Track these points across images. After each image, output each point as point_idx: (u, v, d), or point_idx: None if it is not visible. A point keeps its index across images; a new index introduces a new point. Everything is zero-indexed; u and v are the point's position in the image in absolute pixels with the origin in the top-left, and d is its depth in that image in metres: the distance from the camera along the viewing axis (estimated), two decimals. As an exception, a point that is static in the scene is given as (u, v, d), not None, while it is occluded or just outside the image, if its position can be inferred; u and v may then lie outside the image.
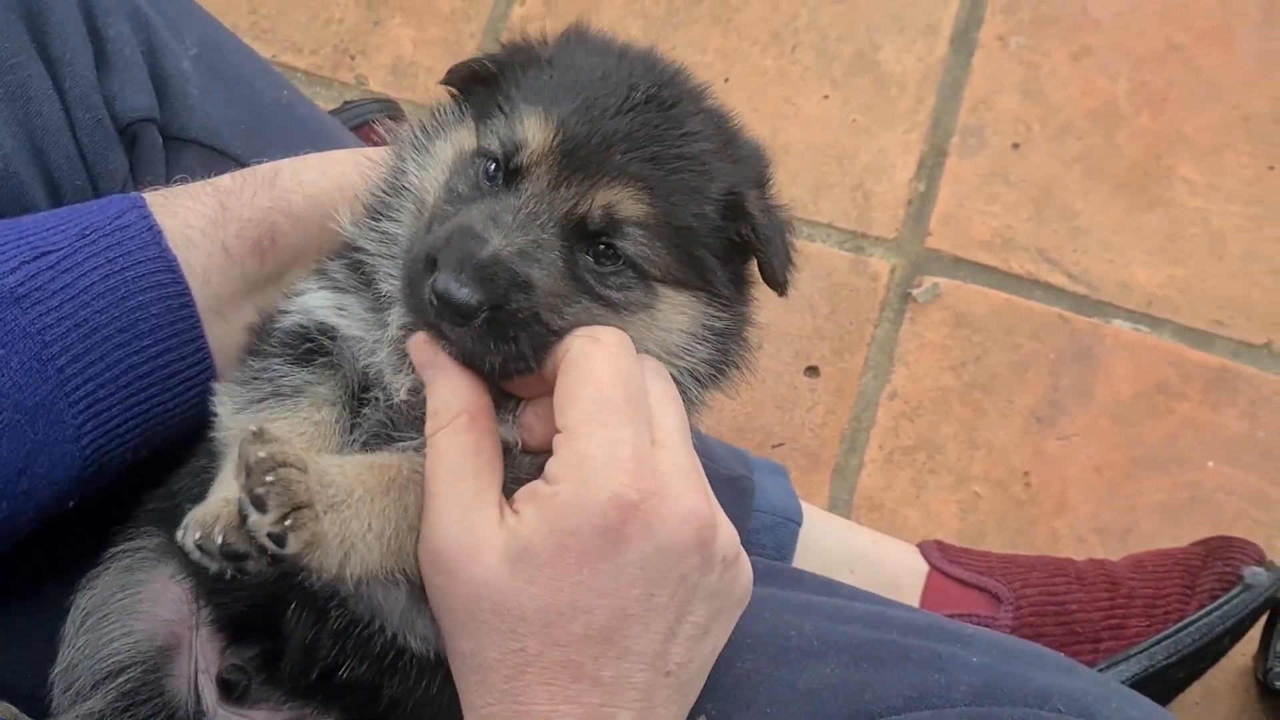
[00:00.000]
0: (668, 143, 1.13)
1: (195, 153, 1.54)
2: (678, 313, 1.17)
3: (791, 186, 2.52)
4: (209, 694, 1.31)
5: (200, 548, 1.04)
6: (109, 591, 1.34)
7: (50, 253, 1.25)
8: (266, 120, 1.62)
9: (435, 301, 1.07)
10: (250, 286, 1.36)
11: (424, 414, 1.15)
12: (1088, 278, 2.45)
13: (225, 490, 1.10)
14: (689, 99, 1.20)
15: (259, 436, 1.06)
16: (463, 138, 1.21)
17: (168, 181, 1.42)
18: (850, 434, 2.37)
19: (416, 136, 1.26)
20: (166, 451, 1.33)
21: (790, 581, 1.65)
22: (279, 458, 1.03)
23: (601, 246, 1.12)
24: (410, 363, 1.17)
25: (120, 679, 1.30)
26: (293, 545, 1.02)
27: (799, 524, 1.99)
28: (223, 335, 1.33)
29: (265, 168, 1.39)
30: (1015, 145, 2.55)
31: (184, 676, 1.32)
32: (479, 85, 1.23)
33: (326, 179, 1.38)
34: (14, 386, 1.21)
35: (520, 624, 1.07)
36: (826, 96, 2.59)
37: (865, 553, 2.05)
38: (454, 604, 1.10)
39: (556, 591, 1.06)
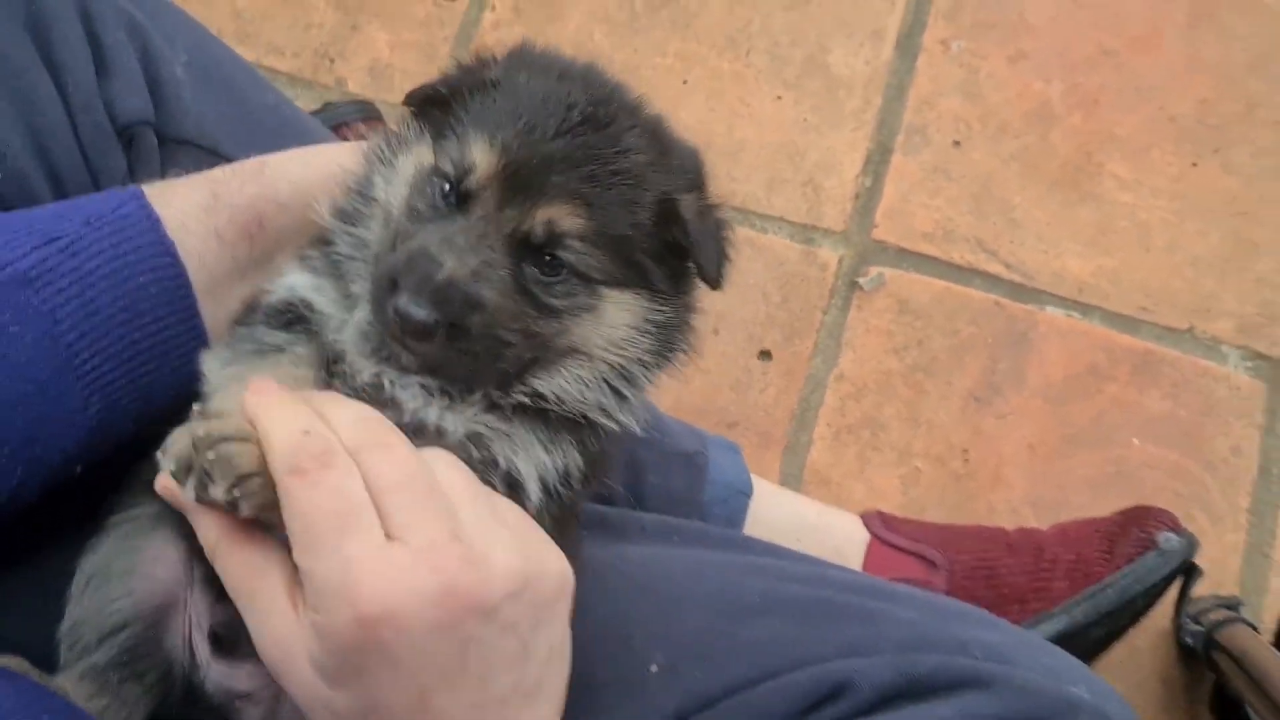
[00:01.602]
0: (603, 160, 1.19)
1: (189, 153, 1.57)
2: (621, 310, 1.23)
3: (745, 182, 2.55)
4: (202, 648, 1.34)
5: (173, 475, 1.10)
6: (111, 555, 1.36)
7: (59, 239, 1.29)
8: (254, 122, 1.66)
9: (398, 320, 1.13)
10: (240, 268, 1.39)
11: (384, 400, 1.19)
12: (1023, 267, 2.50)
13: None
14: (625, 115, 1.24)
15: (205, 413, 1.13)
16: (422, 154, 1.26)
17: (163, 179, 1.43)
18: (800, 413, 2.40)
19: (383, 151, 1.31)
20: (160, 425, 1.32)
21: (739, 547, 1.69)
22: (220, 433, 1.09)
23: (547, 258, 1.18)
24: (372, 349, 1.22)
25: (122, 635, 1.33)
26: (246, 509, 1.08)
27: (749, 496, 2.04)
28: (216, 314, 1.36)
29: (253, 161, 1.42)
30: (956, 143, 2.60)
31: (179, 633, 1.35)
32: (434, 107, 1.28)
33: (310, 170, 1.41)
34: (27, 361, 1.25)
35: (345, 718, 1.09)
36: (779, 97, 2.63)
37: (811, 523, 2.10)
38: (296, 698, 1.12)
39: (357, 693, 1.07)
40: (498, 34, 2.66)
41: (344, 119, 2.31)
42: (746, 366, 2.43)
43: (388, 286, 1.16)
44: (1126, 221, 2.54)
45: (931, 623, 1.48)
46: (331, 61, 2.64)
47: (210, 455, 1.08)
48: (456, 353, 1.17)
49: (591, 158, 1.19)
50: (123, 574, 1.35)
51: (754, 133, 2.59)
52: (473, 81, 1.26)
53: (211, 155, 1.57)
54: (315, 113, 2.37)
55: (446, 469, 1.14)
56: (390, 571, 1.03)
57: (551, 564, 1.15)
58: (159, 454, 1.13)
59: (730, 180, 2.54)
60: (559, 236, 1.18)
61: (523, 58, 1.30)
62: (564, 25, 2.68)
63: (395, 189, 1.27)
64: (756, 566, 1.60)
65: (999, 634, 1.49)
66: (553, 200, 1.17)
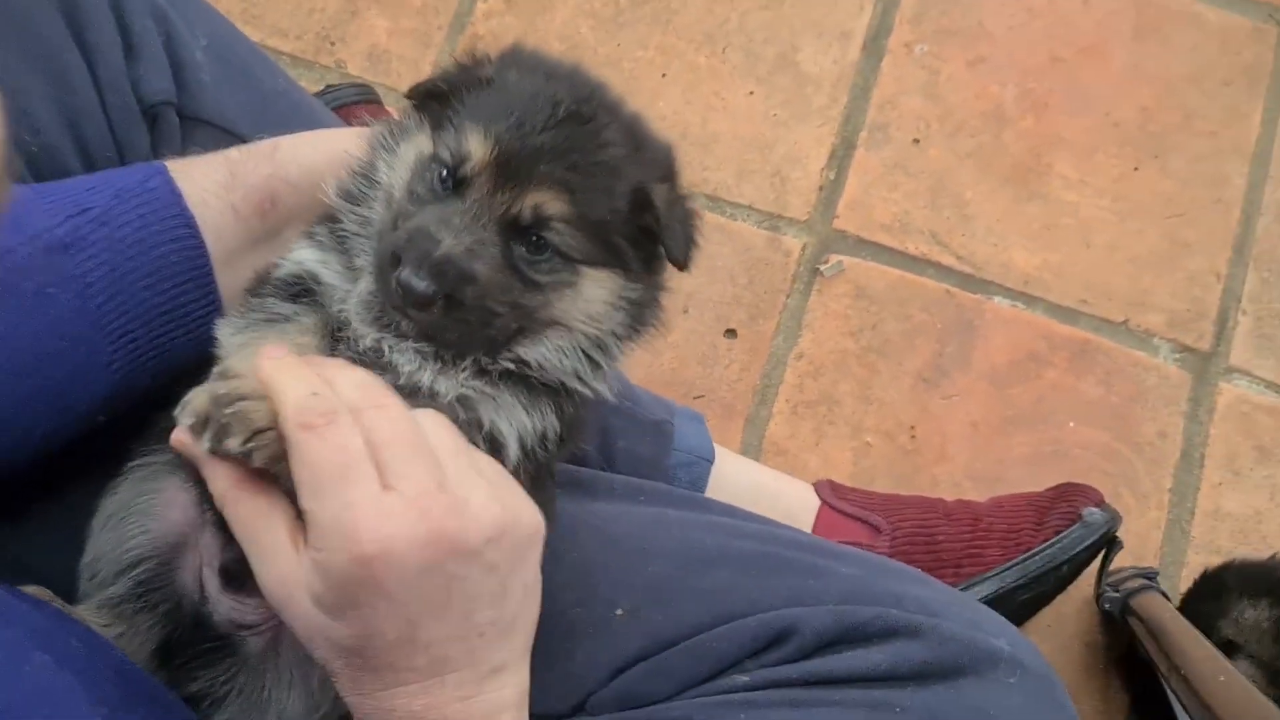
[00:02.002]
0: (585, 151, 1.27)
1: (207, 132, 1.63)
2: (598, 287, 1.32)
3: (717, 171, 2.61)
4: (211, 583, 1.41)
5: (191, 429, 1.19)
6: (129, 496, 1.43)
7: (91, 209, 1.35)
8: (268, 104, 1.71)
9: (400, 291, 1.23)
10: (254, 241, 1.46)
11: (383, 365, 1.29)
12: (973, 259, 2.57)
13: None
14: (605, 112, 1.32)
15: (223, 374, 1.21)
16: (421, 143, 1.34)
17: (184, 155, 1.50)
18: (762, 389, 2.47)
19: (386, 138, 1.39)
20: (178, 378, 1.40)
21: (699, 506, 1.77)
22: (237, 392, 1.17)
23: (533, 239, 1.27)
24: (373, 317, 1.30)
25: (138, 569, 1.41)
26: (258, 460, 1.16)
27: (711, 462, 2.12)
28: (230, 282, 1.43)
29: (267, 142, 1.49)
30: (916, 141, 2.66)
31: (190, 569, 1.41)
32: (433, 100, 1.36)
33: (318, 152, 1.48)
34: (61, 319, 1.32)
35: (341, 646, 1.17)
36: (751, 93, 2.68)
37: (767, 488, 2.18)
38: (296, 630, 1.20)
39: (353, 623, 1.14)
40: (490, 24, 2.70)
41: (344, 101, 2.37)
42: (713, 344, 2.50)
43: (391, 261, 1.25)
44: (1071, 219, 2.60)
45: (870, 578, 1.57)
46: (332, 45, 2.68)
47: (229, 411, 1.17)
48: (452, 321, 1.27)
49: (574, 150, 1.28)
50: (140, 514, 1.43)
51: (727, 125, 2.65)
52: (469, 78, 1.35)
53: (228, 135, 1.63)
54: (317, 94, 2.41)
55: (435, 428, 1.22)
56: (385, 515, 1.11)
57: (526, 514, 1.21)
58: (177, 411, 1.21)
59: (703, 169, 2.60)
60: (544, 219, 1.27)
61: (515, 58, 1.39)
62: (552, 17, 2.72)
63: (397, 173, 1.36)
64: (714, 524, 1.68)
65: (931, 591, 1.58)
66: (539, 187, 1.27)
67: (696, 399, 2.45)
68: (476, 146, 1.27)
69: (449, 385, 1.31)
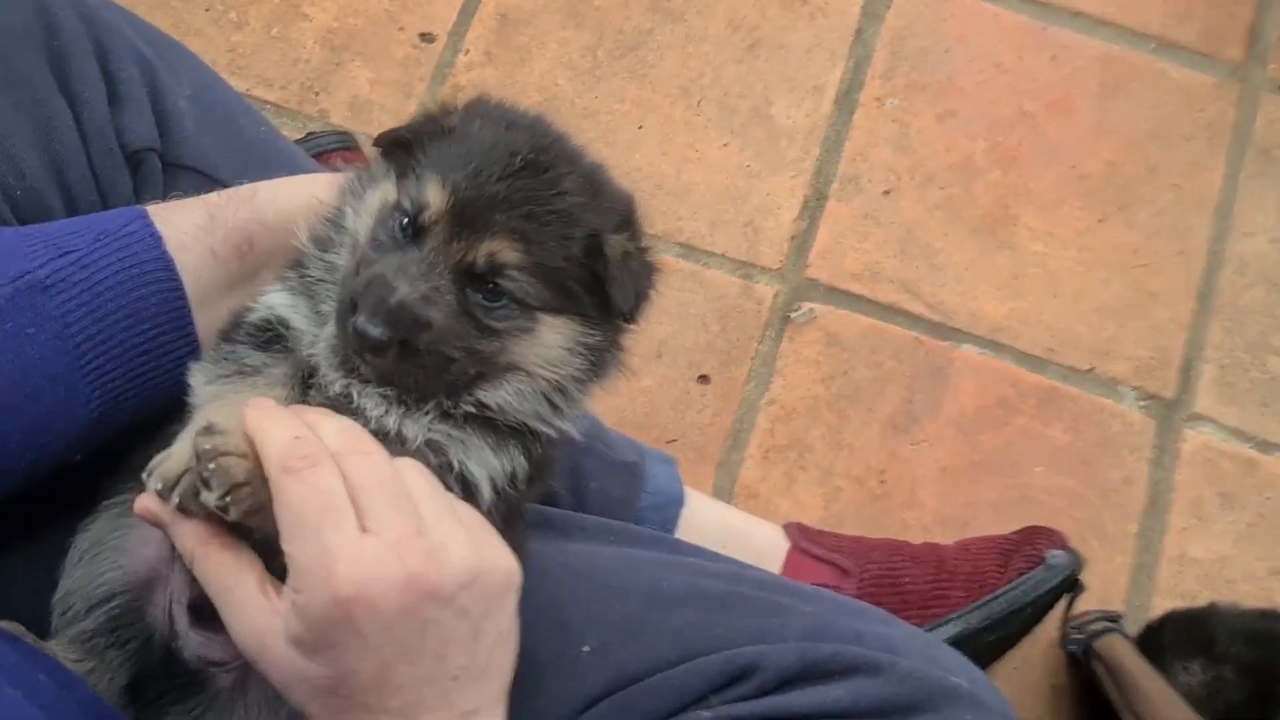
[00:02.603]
0: (540, 201, 1.28)
1: (189, 177, 1.63)
2: (554, 333, 1.32)
3: (691, 221, 2.61)
4: (181, 620, 1.40)
5: (158, 493, 1.21)
6: (102, 533, 1.43)
7: (72, 251, 1.36)
8: (248, 151, 1.72)
9: (355, 337, 1.24)
10: (232, 283, 1.46)
11: (352, 409, 1.30)
12: (943, 307, 2.57)
13: (186, 448, 1.24)
14: (563, 161, 1.33)
15: (208, 430, 1.22)
16: (387, 190, 1.35)
17: (165, 200, 1.51)
18: (734, 433, 2.46)
19: (354, 185, 1.41)
20: (154, 418, 1.43)
21: (668, 547, 1.77)
22: (221, 448, 1.19)
23: (489, 286, 1.28)
24: (340, 362, 1.31)
25: (109, 605, 1.40)
26: (234, 514, 1.17)
27: (682, 505, 2.12)
28: (208, 322, 1.43)
29: (246, 187, 1.49)
30: (887, 192, 2.66)
31: (160, 606, 1.40)
32: (399, 149, 1.37)
33: (295, 197, 1.49)
34: (41, 359, 1.32)
35: (317, 686, 1.18)
36: (726, 144, 2.69)
37: (737, 530, 2.17)
38: (271, 676, 1.21)
39: (329, 664, 1.16)
40: (470, 75, 2.71)
41: (324, 148, 2.38)
42: (686, 389, 2.49)
43: (349, 307, 1.27)
44: (1038, 269, 2.60)
45: (832, 615, 1.56)
46: (316, 94, 2.67)
47: (211, 466, 1.19)
48: (408, 366, 1.28)
49: (530, 199, 1.30)
50: (113, 550, 1.43)
51: (701, 176, 2.65)
52: (433, 128, 1.37)
53: (209, 180, 1.63)
54: (298, 141, 2.43)
55: (414, 475, 1.23)
56: (364, 559, 1.13)
57: (501, 560, 1.22)
58: (145, 475, 1.24)
59: (677, 219, 2.59)
60: (499, 267, 1.28)
61: (479, 108, 1.41)
62: (531, 70, 2.73)
63: (362, 220, 1.37)
64: (682, 564, 1.68)
65: (892, 629, 1.58)
66: (494, 235, 1.28)
67: (670, 443, 2.44)
68: (434, 195, 1.29)
69: (416, 429, 1.32)
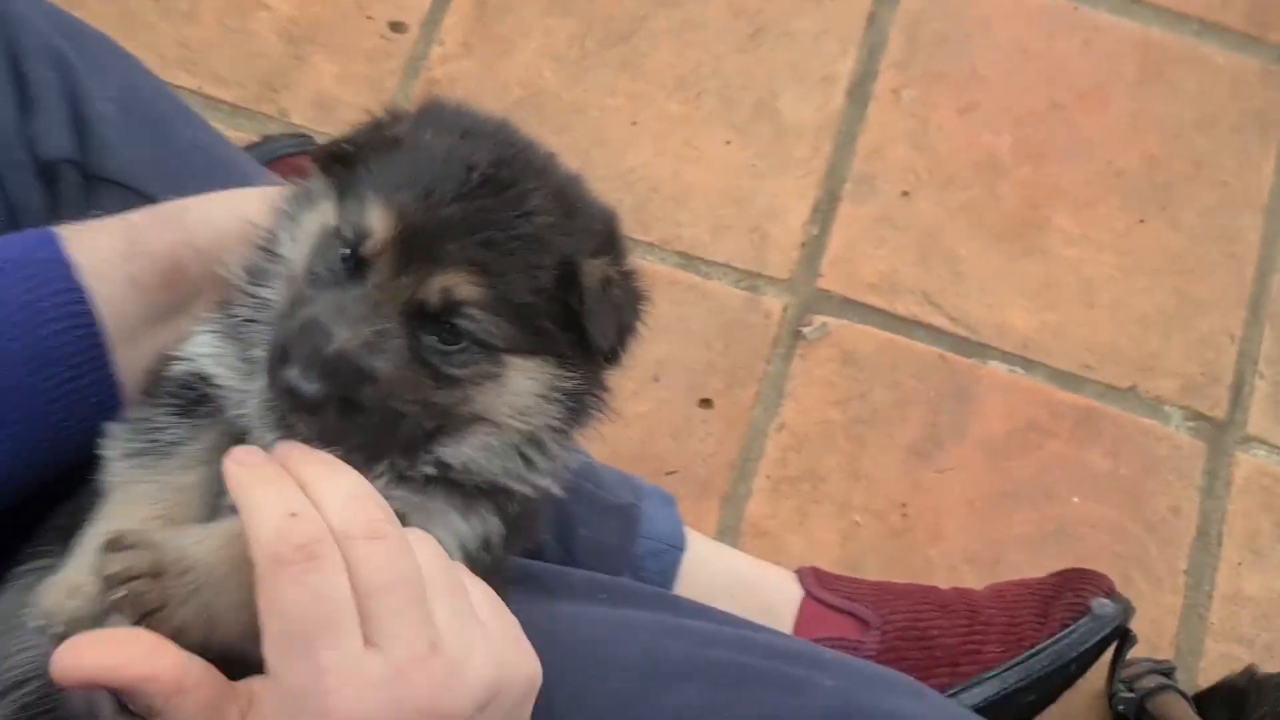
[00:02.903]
0: (502, 225, 1.17)
1: (113, 192, 1.55)
2: (525, 378, 1.21)
3: (691, 227, 2.56)
4: (105, 705, 1.26)
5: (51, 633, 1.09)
6: (11, 607, 1.32)
7: None
8: (183, 162, 1.64)
9: (287, 394, 1.12)
10: (158, 315, 1.37)
11: None
12: (967, 320, 2.51)
13: (78, 571, 1.13)
14: (529, 176, 1.22)
15: (114, 545, 1.09)
16: (326, 213, 1.24)
17: (86, 219, 1.42)
18: (740, 463, 2.41)
19: (289, 207, 1.30)
20: (76, 471, 1.34)
21: (667, 606, 1.68)
22: (133, 570, 1.07)
23: (445, 326, 1.16)
24: (277, 420, 1.20)
25: (22, 690, 1.29)
26: None
27: (682, 551, 2.03)
28: (133, 361, 1.34)
29: (174, 204, 1.41)
30: (904, 193, 2.61)
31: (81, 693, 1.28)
32: (339, 164, 1.26)
33: (232, 215, 1.39)
34: None
35: None
36: (728, 142, 2.63)
37: (745, 579, 2.08)
38: None
39: None
40: (446, 68, 2.65)
41: (281, 153, 2.29)
42: (686, 415, 2.43)
43: (279, 357, 1.15)
44: (1072, 277, 2.55)
45: (856, 691, 1.47)
46: (275, 92, 2.61)
47: (121, 592, 1.06)
48: (352, 425, 1.16)
49: (490, 223, 1.17)
50: (23, 628, 1.30)
51: (701, 177, 2.60)
52: (378, 139, 1.25)
53: (137, 195, 1.54)
54: (251, 147, 2.35)
55: (428, 558, 1.10)
56: (365, 687, 1.00)
57: (524, 666, 1.14)
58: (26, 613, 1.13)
59: (675, 225, 2.54)
60: (456, 305, 1.16)
61: (431, 114, 1.29)
62: (513, 62, 2.66)
63: (299, 248, 1.25)
64: (683, 629, 1.59)
65: (924, 705, 1.50)
66: (448, 268, 1.15)
67: (668, 475, 2.37)
68: (378, 221, 1.17)
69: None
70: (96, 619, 1.09)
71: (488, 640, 1.09)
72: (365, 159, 1.23)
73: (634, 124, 2.65)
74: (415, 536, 1.12)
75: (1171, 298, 2.55)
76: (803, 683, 1.47)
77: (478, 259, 1.16)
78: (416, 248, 1.15)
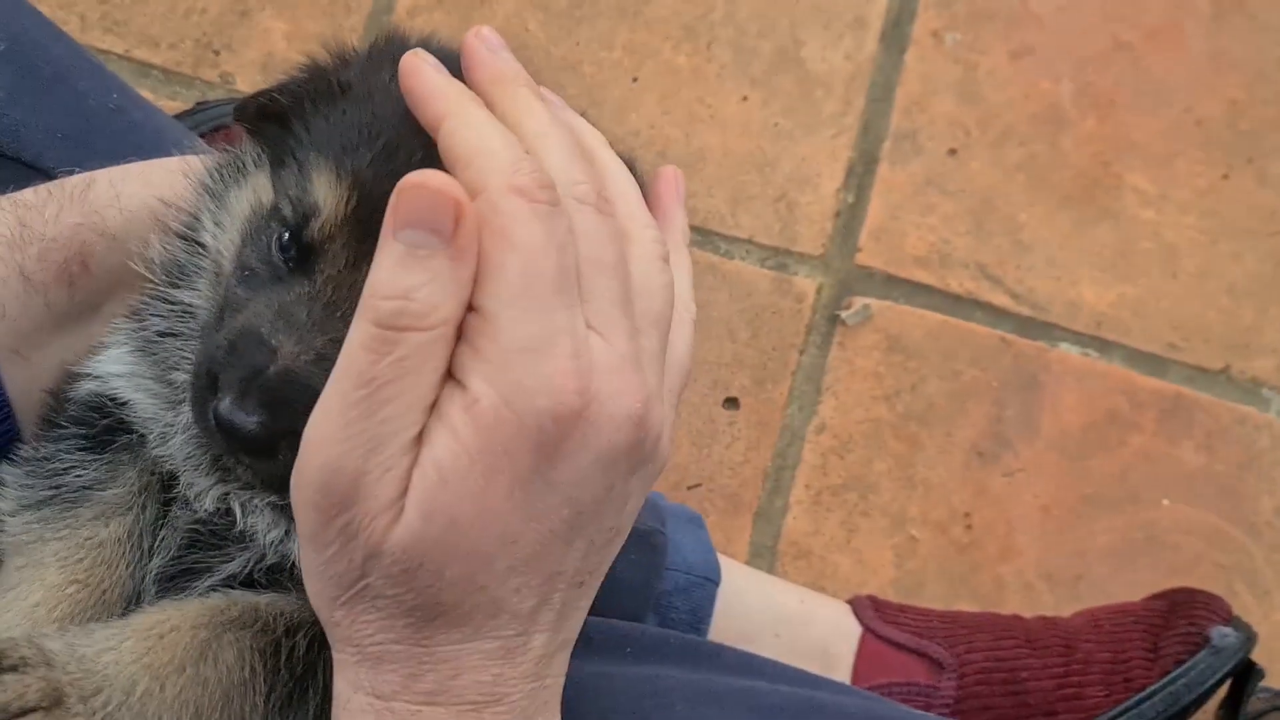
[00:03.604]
0: None
1: (3, 167, 1.41)
2: None
3: (707, 198, 2.49)
4: None
5: None
6: None
7: None
8: (92, 128, 1.50)
9: (219, 431, 0.96)
10: (58, 320, 1.26)
11: (234, 535, 1.07)
12: (1032, 297, 2.44)
13: None
14: None
15: None
16: (260, 187, 1.08)
17: None
18: (774, 472, 2.34)
19: (212, 181, 1.14)
20: None
21: (706, 659, 1.53)
22: (16, 705, 0.94)
23: None
24: (213, 461, 1.06)
25: None
26: None
27: (717, 583, 1.91)
28: (26, 379, 1.24)
29: (77, 179, 1.29)
30: (952, 151, 2.53)
31: None
32: (271, 123, 1.10)
33: (150, 190, 1.26)
34: None
35: (436, 577, 0.95)
36: (745, 98, 2.55)
37: (791, 614, 1.98)
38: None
39: (483, 529, 0.93)
40: (416, 22, 2.56)
41: (218, 122, 2.14)
42: (710, 416, 2.37)
43: (206, 383, 0.98)
44: (1150, 243, 2.48)
45: None
46: (216, 54, 2.52)
47: None
48: None
49: None
50: None
51: (716, 139, 2.52)
52: (320, 87, 1.09)
53: (31, 170, 1.42)
54: (183, 115, 2.20)
55: (666, 280, 1.03)
56: (600, 370, 0.93)
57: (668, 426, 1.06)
58: None
59: (689, 196, 2.39)
60: None
61: (387, 51, 1.13)
62: (492, 13, 2.58)
63: (227, 235, 1.10)
64: (730, 690, 1.44)
65: None
66: None
67: (690, 489, 2.31)
68: (325, 193, 1.01)
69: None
70: None
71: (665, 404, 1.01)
72: (305, 114, 1.07)
73: (635, 81, 2.56)
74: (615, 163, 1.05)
75: (1265, 263, 2.47)
76: (889, 762, 1.32)
77: None
78: (378, 226, 0.96)
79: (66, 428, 1.14)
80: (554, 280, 0.92)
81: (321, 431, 0.90)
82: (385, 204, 0.95)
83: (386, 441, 0.89)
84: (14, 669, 0.95)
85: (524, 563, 0.95)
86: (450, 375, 0.91)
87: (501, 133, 0.95)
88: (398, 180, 0.93)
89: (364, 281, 0.94)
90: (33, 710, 0.94)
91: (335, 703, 0.99)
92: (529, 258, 0.91)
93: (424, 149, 0.99)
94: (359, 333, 0.89)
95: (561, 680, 1.04)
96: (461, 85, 0.99)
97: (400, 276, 0.89)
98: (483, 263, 0.92)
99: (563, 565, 0.97)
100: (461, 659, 0.96)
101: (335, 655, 0.98)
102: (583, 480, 0.94)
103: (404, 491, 0.90)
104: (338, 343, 0.95)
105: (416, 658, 0.96)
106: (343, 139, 1.02)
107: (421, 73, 0.98)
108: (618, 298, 0.96)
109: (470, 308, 0.91)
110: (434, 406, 0.91)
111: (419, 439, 0.91)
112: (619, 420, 0.93)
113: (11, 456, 1.16)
